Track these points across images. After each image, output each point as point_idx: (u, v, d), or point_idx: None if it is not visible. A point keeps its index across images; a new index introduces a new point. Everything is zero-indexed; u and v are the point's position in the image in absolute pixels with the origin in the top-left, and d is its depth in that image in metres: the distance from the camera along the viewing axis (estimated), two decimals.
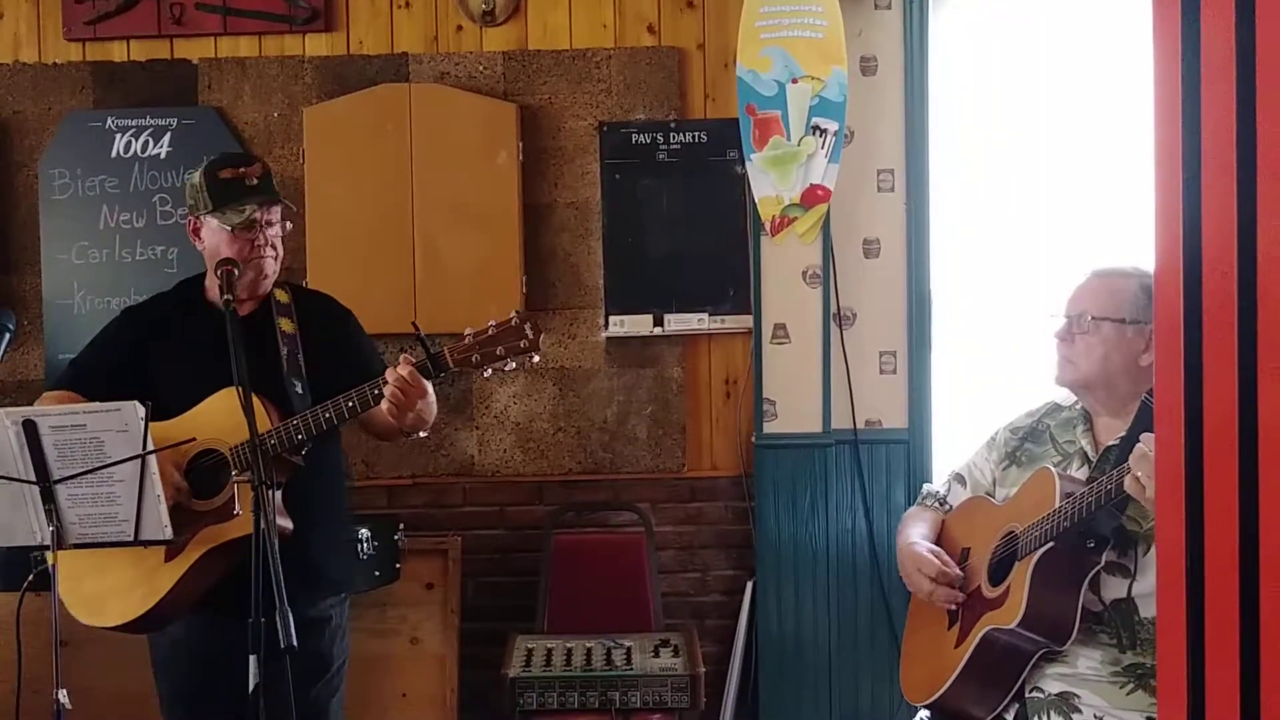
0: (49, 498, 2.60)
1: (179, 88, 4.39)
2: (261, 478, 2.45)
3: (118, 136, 4.35)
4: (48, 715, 2.53)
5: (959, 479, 2.84)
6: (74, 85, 4.39)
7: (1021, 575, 2.40)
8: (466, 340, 2.74)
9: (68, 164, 4.36)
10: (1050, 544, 2.35)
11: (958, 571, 2.61)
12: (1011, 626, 2.38)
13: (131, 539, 2.62)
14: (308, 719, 2.91)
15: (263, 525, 2.40)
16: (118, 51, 4.41)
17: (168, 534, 2.63)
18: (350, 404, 2.74)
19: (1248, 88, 1.04)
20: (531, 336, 2.73)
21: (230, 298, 2.76)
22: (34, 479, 2.60)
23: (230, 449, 2.77)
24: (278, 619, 2.30)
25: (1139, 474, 2.14)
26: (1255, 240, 1.05)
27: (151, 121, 4.36)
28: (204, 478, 2.79)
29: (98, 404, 2.65)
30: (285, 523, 2.75)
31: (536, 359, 2.77)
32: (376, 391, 2.72)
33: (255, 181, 2.89)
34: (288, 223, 3.01)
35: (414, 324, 2.83)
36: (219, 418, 2.79)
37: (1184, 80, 1.08)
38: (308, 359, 2.93)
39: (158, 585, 2.78)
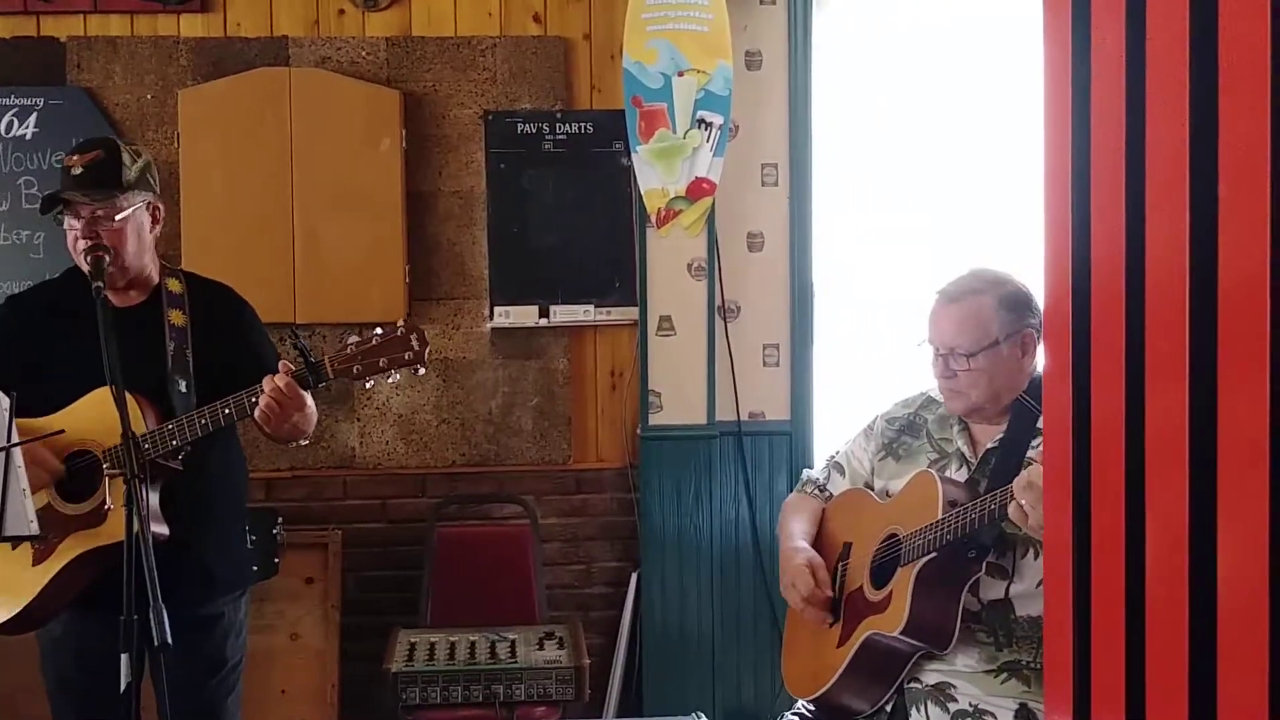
0: None
1: (46, 66, 4.22)
2: (134, 472, 2.33)
3: None
4: None
5: (838, 467, 2.87)
6: None
7: (904, 583, 2.44)
8: (349, 350, 2.65)
9: None
10: (932, 554, 2.40)
11: (829, 594, 2.64)
12: (894, 634, 2.43)
13: None
14: (203, 716, 2.85)
15: (135, 521, 2.30)
16: None
17: (34, 529, 2.52)
18: (226, 411, 2.63)
19: (1137, 88, 1.05)
20: (418, 348, 2.65)
21: (100, 284, 2.58)
22: None
23: (104, 450, 2.65)
24: (151, 616, 2.23)
25: (1023, 502, 2.19)
26: (1143, 244, 1.06)
27: (16, 101, 4.18)
28: (76, 481, 2.67)
29: None
30: (161, 529, 2.62)
31: (422, 371, 2.70)
32: (254, 399, 2.61)
33: (79, 171, 2.67)
34: (140, 212, 2.75)
35: (294, 331, 2.72)
36: (94, 417, 2.64)
37: (1074, 83, 1.10)
38: (197, 354, 2.79)
39: (24, 590, 2.66)
